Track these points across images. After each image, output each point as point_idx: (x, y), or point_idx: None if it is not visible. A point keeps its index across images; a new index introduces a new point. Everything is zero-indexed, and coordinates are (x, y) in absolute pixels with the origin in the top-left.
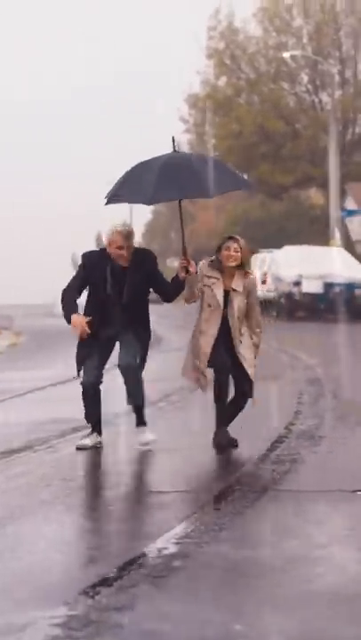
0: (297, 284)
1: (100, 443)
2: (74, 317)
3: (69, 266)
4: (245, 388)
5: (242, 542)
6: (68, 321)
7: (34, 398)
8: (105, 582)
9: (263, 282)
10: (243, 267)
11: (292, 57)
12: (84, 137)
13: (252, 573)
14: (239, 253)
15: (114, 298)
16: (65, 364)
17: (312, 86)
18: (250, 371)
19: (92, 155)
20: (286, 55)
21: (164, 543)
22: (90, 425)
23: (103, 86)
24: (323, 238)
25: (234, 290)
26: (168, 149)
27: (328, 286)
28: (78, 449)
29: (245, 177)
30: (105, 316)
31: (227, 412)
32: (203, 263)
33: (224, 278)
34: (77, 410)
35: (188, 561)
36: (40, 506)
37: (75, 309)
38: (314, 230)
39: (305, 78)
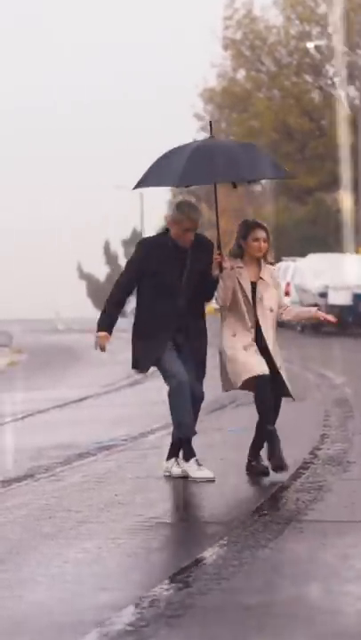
0: (323, 295)
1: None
2: (100, 335)
3: (76, 278)
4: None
5: (263, 579)
6: (98, 329)
7: (35, 422)
8: (114, 623)
9: (286, 293)
10: (265, 256)
11: (317, 47)
12: (89, 141)
13: (273, 614)
14: (267, 244)
15: (176, 284)
16: (69, 384)
17: (339, 79)
18: (284, 374)
19: (97, 161)
20: (310, 45)
21: (178, 580)
22: (186, 442)
23: (108, 87)
24: (351, 245)
25: (262, 279)
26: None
27: (357, 298)
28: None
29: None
30: (171, 304)
31: (258, 434)
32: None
33: (248, 268)
34: (83, 434)
35: (204, 599)
36: (42, 540)
37: (109, 322)
38: (342, 237)
39: (331, 71)
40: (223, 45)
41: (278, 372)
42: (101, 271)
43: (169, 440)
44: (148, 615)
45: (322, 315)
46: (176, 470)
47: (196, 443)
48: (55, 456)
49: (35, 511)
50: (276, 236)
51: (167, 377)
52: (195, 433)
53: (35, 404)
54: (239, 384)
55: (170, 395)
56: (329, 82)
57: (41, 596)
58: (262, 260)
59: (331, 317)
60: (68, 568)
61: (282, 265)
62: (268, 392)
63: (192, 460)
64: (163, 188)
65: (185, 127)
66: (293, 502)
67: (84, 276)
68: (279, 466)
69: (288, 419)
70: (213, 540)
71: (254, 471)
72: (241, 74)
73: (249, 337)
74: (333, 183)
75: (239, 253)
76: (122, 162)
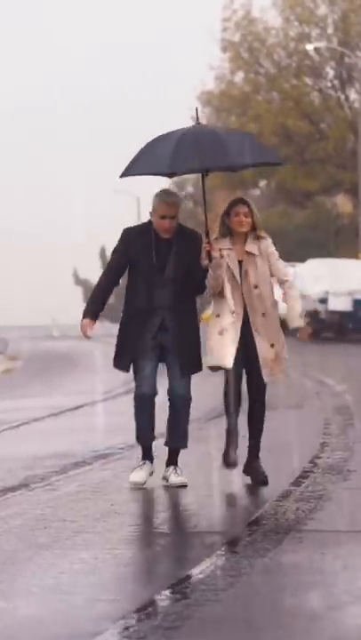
0: (323, 301)
1: (152, 472)
2: (84, 322)
3: (72, 284)
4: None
5: (262, 590)
6: (82, 316)
7: (30, 430)
8: (110, 635)
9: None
10: (255, 230)
11: (316, 49)
12: (85, 145)
13: (272, 625)
14: (250, 218)
15: (159, 272)
16: (65, 392)
17: (338, 81)
18: (265, 370)
19: (93, 166)
20: (310, 47)
21: (176, 590)
22: (142, 448)
23: (103, 82)
24: (351, 250)
25: (248, 253)
26: None
27: (358, 303)
28: (133, 487)
29: (265, 182)
30: (148, 297)
31: (250, 435)
32: (215, 238)
33: (235, 247)
34: (79, 443)
35: (202, 610)
36: (37, 550)
37: (93, 309)
38: (341, 241)
39: (330, 73)
40: (221, 47)
41: (257, 358)
42: (97, 277)
43: (166, 449)
44: (145, 627)
45: (303, 334)
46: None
47: (194, 450)
48: (51, 465)
49: (30, 521)
50: (276, 240)
51: (135, 383)
52: (148, 440)
53: (30, 412)
54: (206, 367)
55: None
56: (329, 84)
57: (36, 608)
58: (250, 236)
59: (306, 337)
60: (64, 579)
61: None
62: (231, 385)
63: (142, 463)
64: None
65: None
66: (293, 511)
67: (80, 281)
68: (227, 462)
69: (288, 426)
70: (211, 550)
71: (251, 473)
72: (239, 76)
73: (230, 318)
74: (334, 187)
75: (226, 232)
76: (119, 166)
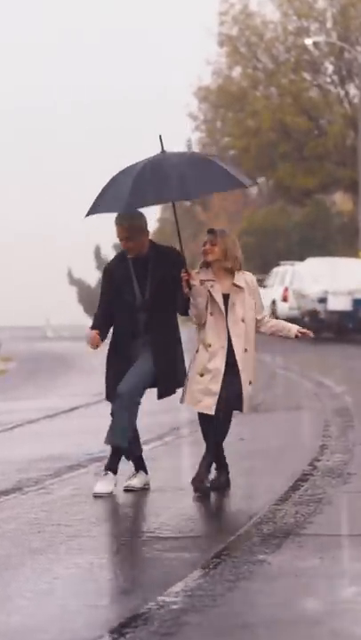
0: (322, 300)
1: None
2: (87, 331)
3: (66, 284)
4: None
5: (260, 595)
6: (92, 327)
7: (24, 432)
8: None
9: (284, 299)
10: (230, 262)
11: (315, 44)
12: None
13: (271, 631)
14: (216, 247)
15: (141, 294)
16: (59, 393)
17: (338, 77)
18: (247, 391)
19: (87, 165)
20: (308, 42)
21: (172, 596)
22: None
23: (98, 79)
24: (351, 249)
25: (237, 286)
26: (175, 149)
27: (358, 303)
28: (126, 491)
29: (263, 179)
30: (130, 321)
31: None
32: (196, 272)
33: (219, 279)
34: (74, 445)
35: (199, 616)
36: (31, 555)
37: (97, 323)
38: (341, 240)
39: (329, 68)
40: (218, 42)
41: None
42: (92, 276)
43: (162, 451)
44: (142, 633)
45: (300, 331)
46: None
47: (190, 454)
48: (45, 468)
49: (23, 525)
50: (274, 239)
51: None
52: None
53: (24, 414)
54: (186, 404)
55: None
56: (328, 79)
57: (29, 614)
58: (236, 271)
59: (309, 332)
60: (58, 584)
61: (280, 269)
62: (209, 429)
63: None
64: None
65: (179, 127)
66: (292, 515)
67: (74, 281)
68: (197, 487)
69: (287, 428)
70: (209, 555)
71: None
72: (237, 71)
73: (216, 355)
74: (333, 184)
75: (206, 266)
76: (115, 164)
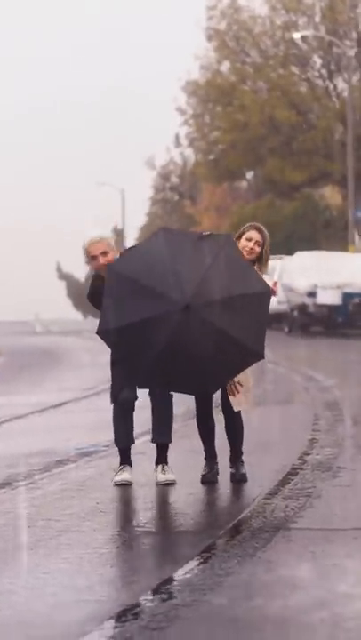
0: (311, 294)
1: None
2: None
3: (55, 278)
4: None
5: (250, 590)
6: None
7: (13, 427)
8: (96, 637)
9: (273, 292)
10: (259, 262)
11: (303, 38)
12: (68, 138)
13: (260, 625)
14: (260, 248)
15: None
16: (48, 388)
17: (326, 71)
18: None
19: (76, 158)
20: (296, 36)
21: (163, 590)
22: (121, 451)
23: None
24: (340, 243)
25: None
26: (163, 144)
27: (347, 297)
28: (117, 485)
29: (252, 173)
30: None
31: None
32: None
33: None
34: (63, 440)
35: (190, 610)
36: (20, 550)
37: None
38: (330, 234)
39: (318, 62)
40: (207, 36)
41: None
42: (81, 271)
43: (152, 446)
44: (132, 628)
45: None
46: (160, 477)
47: (180, 449)
48: (34, 463)
49: (13, 520)
50: None
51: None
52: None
53: (13, 409)
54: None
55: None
56: (316, 74)
57: (19, 609)
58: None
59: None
60: (48, 579)
61: (269, 263)
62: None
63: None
64: (145, 186)
65: (168, 121)
66: (282, 510)
67: (63, 275)
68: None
69: (276, 422)
70: (198, 549)
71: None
72: (225, 66)
73: None
74: (321, 178)
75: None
76: (102, 158)
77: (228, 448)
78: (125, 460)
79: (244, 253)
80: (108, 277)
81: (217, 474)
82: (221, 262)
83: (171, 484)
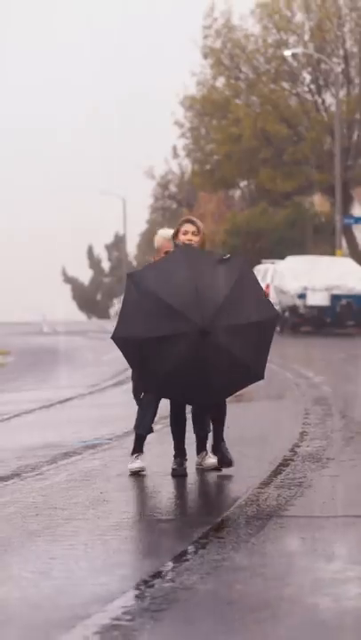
0: (302, 296)
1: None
2: None
3: (60, 282)
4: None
5: (245, 573)
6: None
7: (22, 422)
8: (100, 618)
9: (265, 295)
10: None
11: (293, 55)
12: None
13: (254, 607)
14: (198, 237)
15: None
16: (55, 385)
17: (315, 86)
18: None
19: (80, 169)
20: (287, 53)
21: (162, 575)
22: (138, 438)
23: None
24: (329, 247)
25: None
26: (161, 156)
27: (335, 299)
28: (133, 472)
29: (246, 183)
30: None
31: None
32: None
33: None
34: (69, 434)
35: (188, 593)
36: (29, 537)
37: None
38: (319, 239)
39: (307, 78)
40: (203, 54)
41: None
42: (85, 275)
43: (150, 438)
44: (134, 609)
45: None
46: (210, 461)
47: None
48: (42, 455)
49: (22, 509)
50: (256, 239)
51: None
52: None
53: (22, 405)
54: None
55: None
56: (306, 89)
57: (28, 592)
58: None
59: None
60: (55, 564)
61: (261, 267)
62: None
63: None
64: (145, 195)
65: (166, 134)
66: (274, 498)
67: (68, 279)
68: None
69: (269, 417)
70: (196, 536)
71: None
72: (220, 81)
73: None
74: (311, 187)
75: None
76: (105, 169)
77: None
78: (139, 447)
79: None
80: (127, 286)
81: (186, 468)
82: (241, 288)
83: (217, 468)
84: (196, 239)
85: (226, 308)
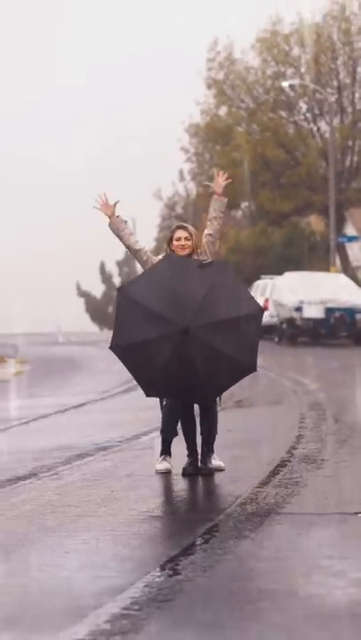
0: (298, 309)
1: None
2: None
3: (75, 295)
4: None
5: (245, 566)
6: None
7: (39, 426)
8: (110, 607)
9: (265, 308)
10: (198, 253)
11: (291, 86)
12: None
13: (254, 598)
14: (190, 241)
15: None
16: (69, 392)
17: (311, 114)
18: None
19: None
20: (285, 84)
21: (168, 568)
22: (165, 441)
23: (101, 117)
24: (323, 264)
25: None
26: (169, 179)
27: (329, 311)
28: (159, 473)
29: (246, 204)
30: None
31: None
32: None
33: None
34: (82, 437)
35: (192, 585)
36: (45, 532)
37: None
38: (314, 256)
39: (303, 107)
40: (207, 85)
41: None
42: (98, 289)
43: (158, 441)
44: (142, 600)
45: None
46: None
47: (182, 443)
48: (57, 456)
49: (38, 506)
50: (256, 256)
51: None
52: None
53: (38, 410)
54: None
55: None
56: (302, 117)
57: (44, 584)
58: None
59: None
60: (69, 558)
61: (261, 282)
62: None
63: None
64: (153, 215)
65: (173, 159)
66: (273, 496)
67: (82, 293)
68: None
69: (267, 421)
70: (200, 531)
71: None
72: (223, 110)
73: None
74: (307, 208)
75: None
76: (116, 192)
77: (222, 445)
78: (166, 450)
79: (179, 251)
80: (117, 299)
81: (197, 467)
82: (219, 288)
83: (220, 470)
84: (188, 244)
85: (204, 306)
